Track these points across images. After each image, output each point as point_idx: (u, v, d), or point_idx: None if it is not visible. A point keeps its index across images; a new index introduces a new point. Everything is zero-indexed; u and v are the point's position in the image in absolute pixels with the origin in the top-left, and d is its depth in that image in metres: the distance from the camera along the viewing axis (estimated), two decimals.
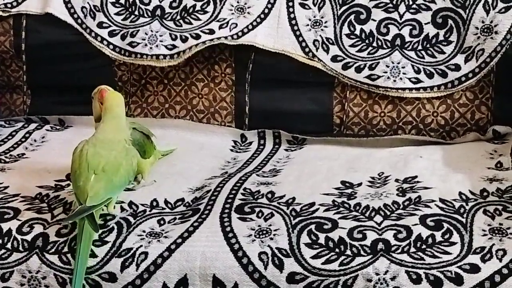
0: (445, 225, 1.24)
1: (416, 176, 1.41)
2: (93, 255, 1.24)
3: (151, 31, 1.71)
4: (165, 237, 1.26)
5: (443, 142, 1.61)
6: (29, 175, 1.47)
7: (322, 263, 1.19)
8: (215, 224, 1.27)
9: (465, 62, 1.61)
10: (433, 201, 1.31)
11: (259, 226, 1.27)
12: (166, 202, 1.36)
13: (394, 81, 1.62)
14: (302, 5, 1.68)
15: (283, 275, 1.19)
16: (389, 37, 1.65)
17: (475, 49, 1.61)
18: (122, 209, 1.34)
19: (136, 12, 1.73)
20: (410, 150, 1.55)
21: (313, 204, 1.32)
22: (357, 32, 1.66)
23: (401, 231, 1.23)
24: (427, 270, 1.16)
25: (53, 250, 1.25)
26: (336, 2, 1.67)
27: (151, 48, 1.70)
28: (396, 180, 1.40)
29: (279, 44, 1.66)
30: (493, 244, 1.19)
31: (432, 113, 1.63)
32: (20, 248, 1.27)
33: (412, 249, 1.20)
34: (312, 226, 1.25)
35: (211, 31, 1.68)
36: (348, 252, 1.20)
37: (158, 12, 1.72)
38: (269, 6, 1.69)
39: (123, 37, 1.72)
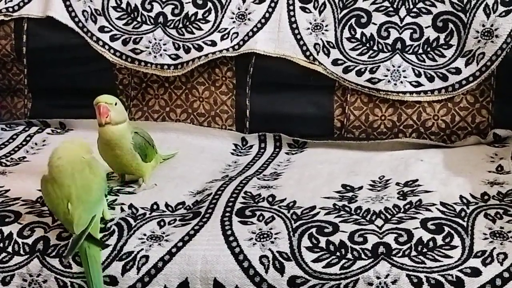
0: (446, 229, 1.24)
1: (417, 180, 1.41)
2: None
3: (155, 39, 1.71)
4: (166, 240, 1.26)
5: (443, 145, 1.61)
6: (30, 179, 1.47)
7: (323, 267, 1.19)
8: (216, 228, 1.27)
9: (466, 65, 1.61)
10: (434, 204, 1.31)
11: (260, 229, 1.27)
12: (167, 205, 1.37)
13: (395, 84, 1.62)
14: (303, 9, 1.68)
15: (284, 279, 1.19)
16: (389, 41, 1.65)
17: (476, 52, 1.61)
18: (122, 209, 1.34)
19: (139, 19, 1.73)
20: (411, 154, 1.55)
21: (314, 207, 1.32)
22: (358, 35, 1.66)
23: (402, 235, 1.23)
24: (428, 274, 1.16)
25: (54, 253, 1.25)
26: (337, 5, 1.68)
27: (155, 57, 1.70)
28: (397, 184, 1.40)
29: (280, 48, 1.67)
30: (494, 248, 1.19)
31: (433, 116, 1.63)
32: (21, 252, 1.27)
33: (413, 253, 1.20)
34: (313, 230, 1.25)
35: (213, 43, 1.68)
36: (349, 255, 1.20)
37: (161, 19, 1.73)
38: (270, 10, 1.69)
39: (124, 43, 1.73)
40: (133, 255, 1.24)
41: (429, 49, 1.64)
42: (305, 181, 1.43)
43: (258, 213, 1.31)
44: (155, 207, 1.36)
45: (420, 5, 1.65)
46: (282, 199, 1.36)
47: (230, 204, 1.33)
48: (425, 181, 1.40)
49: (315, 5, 1.68)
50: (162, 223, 1.30)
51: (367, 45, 1.65)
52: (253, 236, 1.25)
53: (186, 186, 1.44)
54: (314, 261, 1.20)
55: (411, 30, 1.65)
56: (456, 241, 1.21)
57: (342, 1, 1.67)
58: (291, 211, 1.31)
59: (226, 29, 1.69)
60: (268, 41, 1.67)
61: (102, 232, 1.28)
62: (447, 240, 1.21)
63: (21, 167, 1.56)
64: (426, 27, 1.64)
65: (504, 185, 1.37)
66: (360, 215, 1.29)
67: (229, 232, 1.26)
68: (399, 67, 1.63)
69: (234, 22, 1.70)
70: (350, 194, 1.37)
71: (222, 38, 1.69)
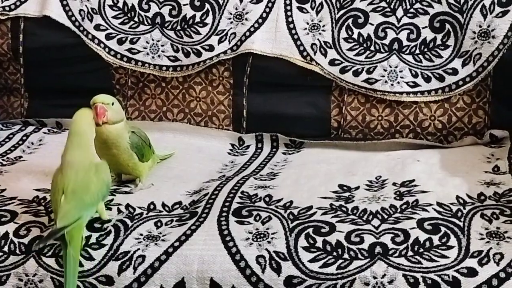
0: (443, 229, 1.24)
1: (413, 180, 1.41)
2: (90, 258, 1.23)
3: (152, 39, 1.71)
4: (163, 240, 1.26)
5: (440, 146, 1.61)
6: (26, 178, 1.47)
7: (320, 267, 1.19)
8: (212, 227, 1.27)
9: (463, 66, 1.61)
10: (430, 204, 1.31)
11: (256, 229, 1.27)
12: (163, 205, 1.36)
13: (392, 85, 1.62)
14: (300, 9, 1.68)
15: (281, 279, 1.19)
16: (386, 41, 1.65)
17: (473, 53, 1.61)
18: (119, 211, 1.34)
19: (136, 19, 1.73)
20: (408, 154, 1.55)
21: (310, 207, 1.32)
22: (355, 36, 1.66)
23: (398, 235, 1.23)
24: (425, 274, 1.16)
25: (50, 253, 1.25)
26: (334, 6, 1.68)
27: (153, 57, 1.70)
28: (394, 184, 1.41)
29: (277, 48, 1.67)
30: (491, 248, 1.19)
31: (430, 117, 1.63)
32: (17, 251, 1.27)
33: (410, 253, 1.20)
34: (310, 230, 1.25)
35: (211, 47, 1.68)
36: (346, 255, 1.20)
37: (158, 20, 1.72)
38: (267, 10, 1.69)
39: (120, 42, 1.72)
40: (129, 254, 1.24)
41: (426, 49, 1.64)
42: (302, 181, 1.43)
43: (255, 213, 1.31)
44: (152, 207, 1.36)
45: (417, 5, 1.65)
46: (279, 199, 1.36)
47: (227, 204, 1.33)
48: (422, 182, 1.40)
49: (312, 5, 1.68)
50: (159, 224, 1.30)
51: (364, 45, 1.65)
52: (249, 236, 1.25)
53: (183, 186, 1.44)
54: (311, 261, 1.20)
55: (408, 31, 1.65)
56: (453, 241, 1.21)
57: (339, 1, 1.67)
58: (288, 211, 1.31)
59: (224, 30, 1.69)
60: (265, 41, 1.67)
61: (98, 232, 1.28)
62: (444, 240, 1.22)
63: (17, 166, 1.56)
64: (423, 28, 1.64)
65: (500, 185, 1.37)
66: (357, 215, 1.29)
67: (225, 232, 1.26)
68: (396, 67, 1.63)
69: (231, 22, 1.70)
70: (347, 194, 1.37)
71: (220, 41, 1.69)
